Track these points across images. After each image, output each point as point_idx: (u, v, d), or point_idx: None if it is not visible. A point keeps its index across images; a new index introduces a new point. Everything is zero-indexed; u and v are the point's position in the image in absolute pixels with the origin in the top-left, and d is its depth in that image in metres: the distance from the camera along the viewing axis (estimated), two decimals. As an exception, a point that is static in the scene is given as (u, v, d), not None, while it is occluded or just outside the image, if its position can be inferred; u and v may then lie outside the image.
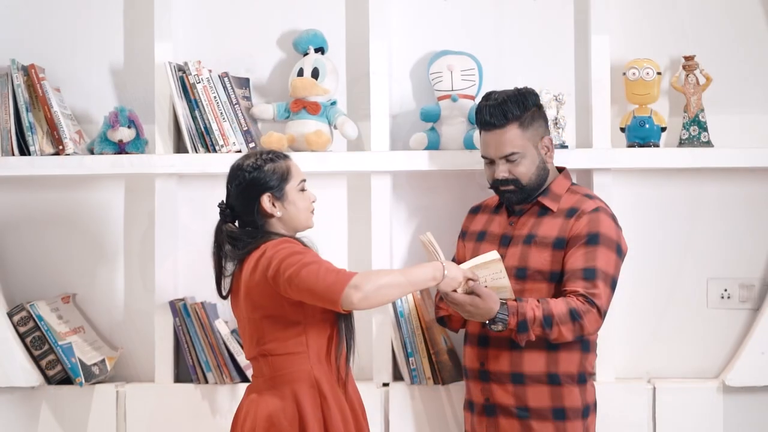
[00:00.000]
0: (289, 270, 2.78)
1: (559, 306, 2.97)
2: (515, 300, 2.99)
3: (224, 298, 3.00)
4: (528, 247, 3.10)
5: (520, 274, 3.11)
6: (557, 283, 3.08)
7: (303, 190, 3.00)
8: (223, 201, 2.99)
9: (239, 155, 3.46)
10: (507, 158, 3.10)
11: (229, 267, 2.98)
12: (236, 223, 3.00)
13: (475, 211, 3.37)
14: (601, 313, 3.00)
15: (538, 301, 2.99)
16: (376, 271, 2.61)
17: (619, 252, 3.09)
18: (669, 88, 3.61)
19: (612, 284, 3.04)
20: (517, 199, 3.14)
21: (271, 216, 2.95)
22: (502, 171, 3.10)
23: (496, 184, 3.14)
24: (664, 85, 3.60)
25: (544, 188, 3.16)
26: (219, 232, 2.98)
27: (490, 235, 3.23)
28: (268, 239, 2.90)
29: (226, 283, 3.00)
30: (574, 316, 2.96)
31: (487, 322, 2.97)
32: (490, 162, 3.14)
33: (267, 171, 2.94)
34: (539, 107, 3.16)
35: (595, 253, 3.02)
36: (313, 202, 3.04)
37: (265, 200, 2.94)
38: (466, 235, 3.34)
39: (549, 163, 3.16)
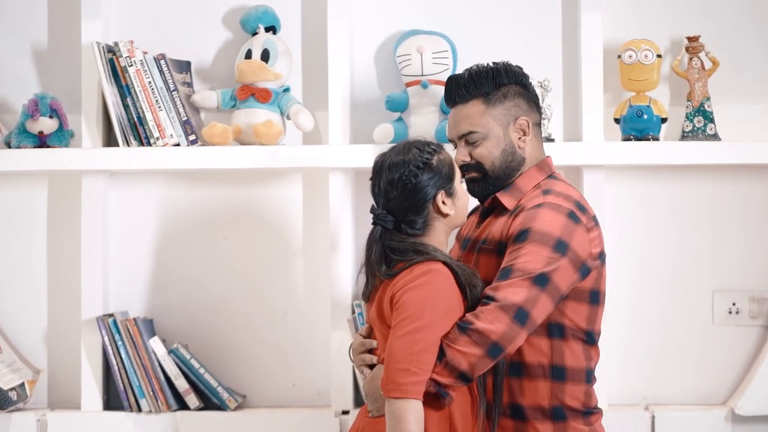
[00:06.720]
0: (397, 327, 2.57)
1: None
2: None
3: (366, 302, 2.80)
4: (478, 256, 2.88)
5: None
6: None
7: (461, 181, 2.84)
8: (375, 206, 2.75)
9: (185, 150, 3.43)
10: (466, 139, 2.90)
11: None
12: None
13: (469, 215, 3.20)
14: (503, 307, 2.59)
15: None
16: None
17: (561, 248, 2.67)
18: (670, 73, 3.50)
19: (536, 280, 2.62)
20: (481, 191, 2.92)
21: (445, 215, 2.74)
22: (462, 154, 2.88)
23: (462, 172, 2.92)
24: (664, 69, 3.49)
25: (509, 182, 2.92)
26: (376, 241, 2.70)
27: (464, 241, 3.05)
28: (428, 257, 2.64)
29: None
30: (462, 327, 2.61)
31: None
32: (455, 146, 3.00)
33: (437, 166, 2.72)
34: (524, 86, 2.95)
35: (518, 252, 2.67)
36: None
37: (440, 199, 2.72)
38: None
39: (522, 149, 2.92)
